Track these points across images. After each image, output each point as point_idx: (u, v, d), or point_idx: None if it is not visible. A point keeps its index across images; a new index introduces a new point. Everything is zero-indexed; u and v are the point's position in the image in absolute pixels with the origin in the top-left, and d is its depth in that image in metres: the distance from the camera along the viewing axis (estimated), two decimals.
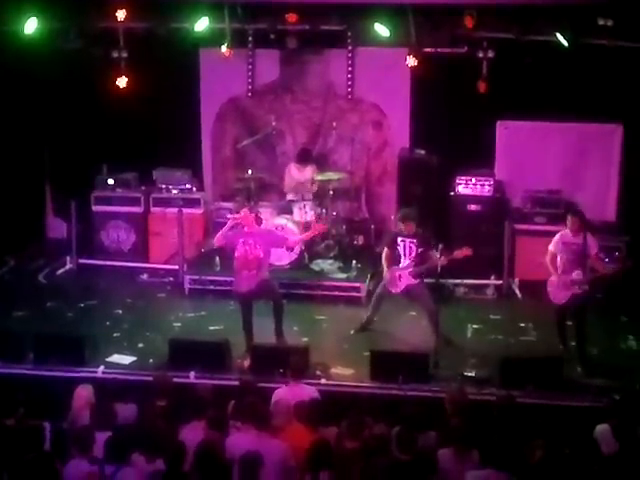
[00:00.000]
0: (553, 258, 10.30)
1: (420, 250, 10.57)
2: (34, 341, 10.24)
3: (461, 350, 10.37)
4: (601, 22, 11.42)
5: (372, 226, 13.60)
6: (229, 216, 10.59)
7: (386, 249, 10.95)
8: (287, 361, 9.24)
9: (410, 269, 10.59)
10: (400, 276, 10.70)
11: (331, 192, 13.01)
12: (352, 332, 11.05)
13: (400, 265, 10.71)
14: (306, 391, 8.74)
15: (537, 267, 10.76)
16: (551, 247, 10.32)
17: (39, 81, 13.55)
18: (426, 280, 10.65)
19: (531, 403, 9.10)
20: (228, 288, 11.90)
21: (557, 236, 10.29)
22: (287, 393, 8.65)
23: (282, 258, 12.38)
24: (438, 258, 10.29)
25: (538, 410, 8.98)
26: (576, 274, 10.04)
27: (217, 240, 10.64)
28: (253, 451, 7.10)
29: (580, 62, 12.24)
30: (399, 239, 10.74)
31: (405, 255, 10.68)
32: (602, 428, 7.89)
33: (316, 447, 7.28)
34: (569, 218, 10.17)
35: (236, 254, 10.41)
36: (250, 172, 13.37)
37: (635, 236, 12.51)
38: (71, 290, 12.77)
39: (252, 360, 10.07)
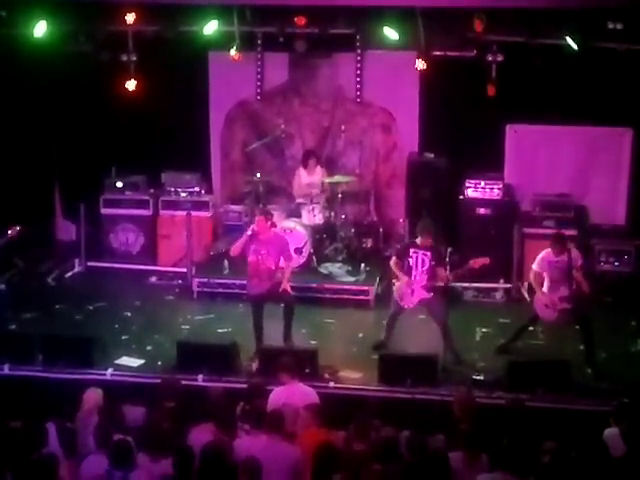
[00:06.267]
0: (537, 276, 10.30)
1: (432, 264, 10.27)
2: (43, 343, 10.27)
3: (470, 366, 10.28)
4: (611, 25, 11.42)
5: (381, 229, 13.60)
6: (249, 232, 10.48)
7: (395, 258, 10.63)
8: (282, 363, 9.00)
9: (424, 282, 10.28)
10: (413, 290, 10.36)
11: (340, 195, 13.03)
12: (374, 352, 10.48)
13: (411, 278, 10.36)
14: (305, 392, 8.73)
15: None
16: (535, 266, 10.30)
17: (48, 84, 13.59)
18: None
19: (540, 407, 9.08)
20: (236, 291, 11.98)
21: (542, 254, 10.24)
22: (285, 394, 8.61)
23: None
24: (447, 275, 10.36)
25: (547, 413, 8.96)
26: (562, 291, 10.07)
27: (233, 251, 10.71)
28: (253, 457, 7.08)
29: (590, 65, 12.22)
30: (411, 251, 10.39)
31: (417, 267, 10.32)
32: (611, 431, 7.88)
33: (322, 451, 7.25)
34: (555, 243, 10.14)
35: (249, 259, 10.48)
36: (259, 175, 13.39)
37: None
38: (80, 292, 12.76)
39: (260, 363, 10.07)
